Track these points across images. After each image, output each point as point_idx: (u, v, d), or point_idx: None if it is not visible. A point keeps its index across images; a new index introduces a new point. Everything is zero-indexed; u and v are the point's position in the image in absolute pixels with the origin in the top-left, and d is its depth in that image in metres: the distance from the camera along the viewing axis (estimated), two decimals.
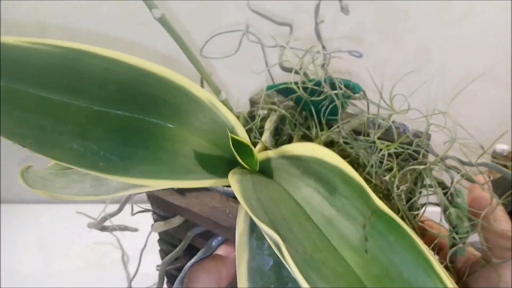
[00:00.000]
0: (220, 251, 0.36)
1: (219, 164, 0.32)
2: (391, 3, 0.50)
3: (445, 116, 0.35)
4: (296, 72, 0.47)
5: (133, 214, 0.43)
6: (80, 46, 0.29)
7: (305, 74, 0.47)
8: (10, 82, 0.26)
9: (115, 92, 0.29)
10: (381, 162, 0.36)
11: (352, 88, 0.37)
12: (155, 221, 0.41)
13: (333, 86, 0.36)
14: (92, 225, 0.44)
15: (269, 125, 0.41)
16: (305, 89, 0.41)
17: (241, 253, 0.30)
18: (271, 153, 0.32)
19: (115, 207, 0.43)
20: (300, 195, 0.25)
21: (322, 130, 0.41)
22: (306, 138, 0.42)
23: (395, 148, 0.36)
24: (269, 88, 0.43)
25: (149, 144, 0.29)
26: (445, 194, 0.37)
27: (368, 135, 0.39)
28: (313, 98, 0.37)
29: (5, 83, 0.26)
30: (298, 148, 0.28)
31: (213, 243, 0.38)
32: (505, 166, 0.40)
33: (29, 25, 0.59)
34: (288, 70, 0.47)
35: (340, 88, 0.35)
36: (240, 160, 0.31)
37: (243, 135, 0.33)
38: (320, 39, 0.42)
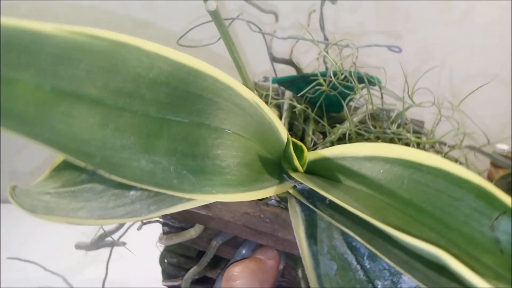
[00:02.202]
0: (258, 255, 0.34)
1: (273, 168, 0.30)
2: (392, 3, 0.51)
3: (454, 110, 0.38)
4: (290, 63, 0.46)
5: (139, 229, 0.38)
6: (122, 38, 0.24)
7: (296, 65, 0.46)
8: (56, 85, 0.21)
9: (166, 95, 0.25)
10: None
11: (371, 82, 0.37)
12: (166, 233, 0.37)
13: (359, 79, 0.35)
14: (84, 246, 0.38)
15: (284, 121, 0.39)
16: (304, 81, 0.40)
17: (308, 261, 0.29)
18: (323, 153, 0.31)
19: None
20: (398, 200, 0.25)
21: (333, 123, 0.41)
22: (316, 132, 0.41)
23: (394, 134, 0.38)
24: (274, 80, 0.41)
25: (216, 153, 0.25)
26: None
27: (374, 128, 0.40)
28: (332, 92, 0.37)
29: (51, 86, 0.21)
30: (367, 148, 0.28)
31: (244, 250, 0.35)
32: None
33: None
34: (280, 61, 0.45)
35: (368, 81, 0.35)
36: (297, 164, 0.29)
37: (285, 134, 0.31)
38: (323, 30, 0.41)
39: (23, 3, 0.56)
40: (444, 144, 0.41)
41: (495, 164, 0.38)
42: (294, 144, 0.30)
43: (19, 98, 0.19)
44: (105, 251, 0.59)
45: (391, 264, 0.24)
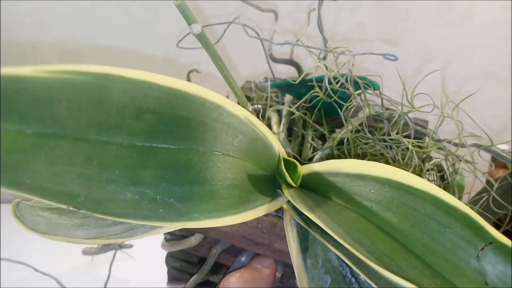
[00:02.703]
0: (255, 263, 0.35)
1: (266, 185, 0.30)
2: (392, 3, 0.49)
3: (456, 109, 0.37)
4: (291, 63, 0.45)
5: (142, 236, 0.39)
6: (105, 70, 0.24)
7: (298, 65, 0.45)
8: (38, 128, 0.21)
9: (153, 122, 0.25)
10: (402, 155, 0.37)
11: (372, 86, 0.36)
12: (167, 240, 0.38)
13: (356, 85, 0.35)
14: (91, 251, 0.39)
15: (282, 128, 0.39)
16: (300, 86, 0.40)
17: (300, 276, 0.29)
18: (316, 168, 0.30)
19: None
20: (386, 223, 0.25)
21: (333, 127, 0.40)
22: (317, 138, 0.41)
23: (392, 140, 0.37)
24: (273, 85, 0.41)
25: (204, 177, 0.26)
26: (442, 176, 0.39)
27: (375, 131, 0.39)
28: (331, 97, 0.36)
29: (33, 130, 0.21)
30: (360, 165, 0.27)
31: (243, 258, 0.36)
32: (505, 167, 0.44)
33: (29, 25, 0.58)
34: (281, 61, 0.45)
35: (364, 87, 0.34)
36: (290, 181, 0.29)
37: (279, 148, 0.31)
38: (322, 31, 0.40)
39: (23, 3, 0.56)
40: (449, 142, 0.40)
41: (496, 165, 0.37)
42: (287, 161, 0.30)
43: (1, 147, 0.19)
44: (105, 255, 0.60)
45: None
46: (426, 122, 0.44)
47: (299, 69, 0.45)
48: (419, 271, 0.21)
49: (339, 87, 0.35)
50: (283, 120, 0.38)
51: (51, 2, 0.56)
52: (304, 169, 0.31)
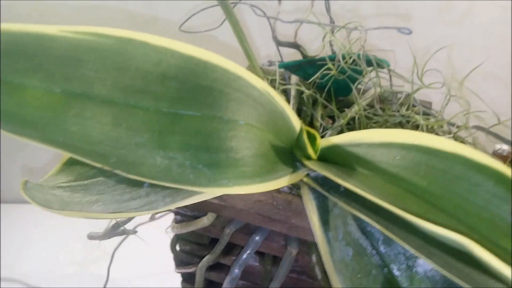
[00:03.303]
0: None
1: (286, 157, 0.29)
2: (392, 3, 0.49)
3: (461, 90, 0.37)
4: (295, 47, 0.45)
5: (152, 219, 0.38)
6: (128, 34, 0.24)
7: (302, 48, 0.45)
8: (66, 88, 0.20)
9: (177, 89, 0.25)
10: None
11: (380, 65, 0.36)
12: (178, 221, 0.37)
13: (367, 62, 0.35)
14: (96, 236, 0.38)
15: (292, 107, 0.39)
16: (311, 65, 0.40)
17: (323, 248, 0.29)
18: (335, 140, 0.30)
19: None
20: (416, 187, 0.25)
21: (341, 107, 0.40)
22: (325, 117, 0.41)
23: (403, 116, 0.37)
24: (281, 65, 0.40)
25: (230, 145, 0.25)
26: None
27: (383, 109, 0.40)
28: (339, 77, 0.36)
29: (61, 89, 0.20)
30: (384, 134, 0.27)
31: (257, 237, 0.36)
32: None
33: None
34: (285, 44, 0.45)
35: (377, 64, 0.34)
36: (311, 152, 0.29)
37: (297, 122, 0.31)
38: (329, 12, 0.41)
39: (23, 3, 0.55)
40: (453, 124, 0.40)
41: (495, 154, 0.38)
42: (307, 132, 0.30)
43: (29, 105, 0.19)
44: (105, 254, 0.57)
45: (410, 249, 0.24)
46: (430, 103, 0.44)
47: (303, 51, 0.45)
48: (455, 228, 0.21)
49: (351, 64, 0.35)
50: (292, 101, 0.38)
51: (51, 2, 0.56)
52: (323, 142, 0.31)
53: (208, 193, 0.25)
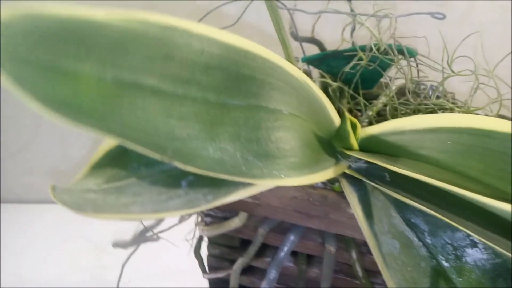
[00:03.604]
0: None
1: (329, 148, 0.28)
2: (392, 3, 0.49)
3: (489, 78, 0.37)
4: (313, 41, 0.44)
5: (181, 221, 0.37)
6: (172, 22, 0.23)
7: (320, 43, 0.45)
8: (118, 75, 0.19)
9: (221, 79, 0.24)
10: None
11: (409, 53, 0.36)
12: (208, 224, 0.36)
13: (399, 51, 0.34)
14: (122, 244, 0.36)
15: None
16: (335, 58, 0.39)
17: (371, 242, 0.28)
18: (374, 130, 0.29)
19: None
20: (472, 170, 0.24)
21: (366, 100, 0.40)
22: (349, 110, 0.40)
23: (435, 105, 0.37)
24: (304, 59, 0.40)
25: (278, 136, 0.24)
26: None
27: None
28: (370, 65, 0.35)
29: (112, 77, 0.19)
30: (431, 119, 0.26)
31: (292, 237, 0.34)
32: None
33: None
34: (303, 39, 0.44)
35: (405, 53, 0.34)
36: (354, 142, 0.28)
37: (335, 113, 0.30)
38: (350, 3, 0.40)
39: (22, 3, 0.53)
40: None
41: None
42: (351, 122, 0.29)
43: (85, 94, 0.17)
44: (104, 253, 0.59)
45: (472, 234, 0.23)
46: (453, 93, 0.44)
47: (321, 46, 0.44)
48: None
49: (380, 53, 0.34)
50: None
51: (51, 2, 0.54)
52: (362, 133, 0.30)
53: (260, 186, 0.23)
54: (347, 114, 0.27)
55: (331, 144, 0.30)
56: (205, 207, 0.26)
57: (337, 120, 0.30)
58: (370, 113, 0.37)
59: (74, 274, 0.57)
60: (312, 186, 0.34)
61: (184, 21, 0.23)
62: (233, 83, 0.24)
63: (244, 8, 0.44)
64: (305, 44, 0.44)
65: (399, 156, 0.28)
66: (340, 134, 0.28)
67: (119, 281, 0.44)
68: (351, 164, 0.29)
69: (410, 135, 0.27)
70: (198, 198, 0.27)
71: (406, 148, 0.27)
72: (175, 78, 0.22)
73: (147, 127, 0.19)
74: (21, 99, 0.16)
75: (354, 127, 0.29)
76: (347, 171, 0.29)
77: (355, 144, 0.28)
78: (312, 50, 0.44)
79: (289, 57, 0.29)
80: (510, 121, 0.23)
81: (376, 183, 0.27)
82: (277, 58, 0.27)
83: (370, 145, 0.30)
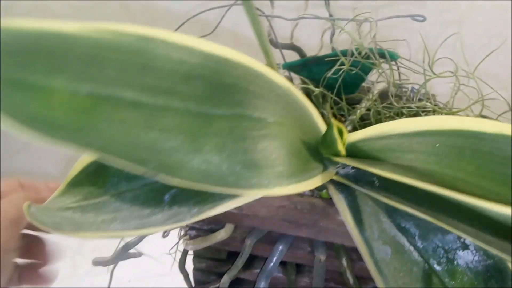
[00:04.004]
0: None
1: (316, 155, 0.28)
2: (392, 3, 0.49)
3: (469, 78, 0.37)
4: (293, 48, 0.44)
5: (164, 236, 0.35)
6: (147, 32, 0.22)
7: (300, 49, 0.44)
8: (93, 89, 0.18)
9: (202, 88, 0.23)
10: None
11: (391, 57, 0.36)
12: (192, 237, 0.35)
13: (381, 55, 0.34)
14: (103, 261, 0.35)
15: None
16: (316, 63, 0.39)
17: (363, 248, 0.27)
18: (360, 135, 0.29)
19: None
20: (463, 171, 0.23)
21: (350, 104, 0.39)
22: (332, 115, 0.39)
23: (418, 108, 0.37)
24: (285, 66, 0.39)
25: (264, 145, 0.23)
26: None
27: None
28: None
29: (87, 91, 0.18)
30: (417, 122, 0.26)
31: (281, 247, 0.33)
32: None
33: None
34: (282, 46, 0.43)
35: (387, 56, 0.33)
36: (341, 148, 0.27)
37: (320, 119, 0.30)
38: (328, 8, 0.40)
39: (23, 3, 0.55)
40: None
41: None
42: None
43: (58, 108, 0.16)
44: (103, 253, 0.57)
45: (468, 238, 0.22)
46: (434, 96, 0.44)
47: (301, 52, 0.44)
48: None
49: (362, 57, 0.34)
50: None
51: (51, 2, 0.55)
52: (349, 137, 0.29)
53: (247, 197, 0.23)
54: (333, 120, 0.26)
55: (318, 151, 0.29)
56: (190, 221, 0.25)
57: (322, 126, 0.29)
58: (354, 117, 0.36)
59: (75, 274, 0.56)
60: (300, 194, 0.33)
61: (160, 30, 0.22)
62: (215, 93, 0.23)
63: (221, 17, 0.43)
64: (284, 51, 0.44)
65: (387, 160, 0.27)
66: (327, 141, 0.27)
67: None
68: (338, 171, 0.29)
69: (397, 139, 0.27)
70: (182, 212, 0.26)
71: (395, 152, 0.27)
72: (154, 89, 0.21)
73: (127, 140, 0.18)
74: None
75: (340, 133, 0.28)
76: (335, 178, 0.28)
77: (342, 150, 0.27)
78: (292, 56, 0.44)
79: (271, 64, 0.29)
80: (498, 122, 0.23)
81: (365, 189, 0.27)
82: (259, 65, 0.26)
83: (357, 151, 0.29)
